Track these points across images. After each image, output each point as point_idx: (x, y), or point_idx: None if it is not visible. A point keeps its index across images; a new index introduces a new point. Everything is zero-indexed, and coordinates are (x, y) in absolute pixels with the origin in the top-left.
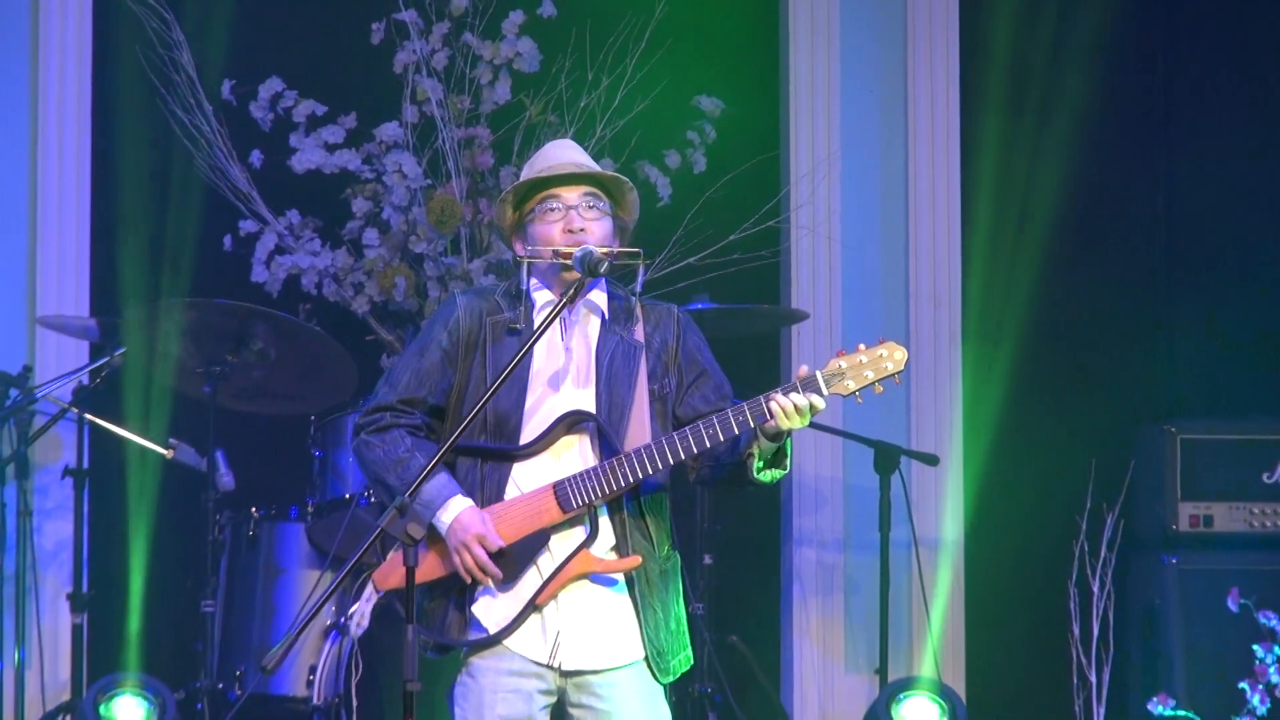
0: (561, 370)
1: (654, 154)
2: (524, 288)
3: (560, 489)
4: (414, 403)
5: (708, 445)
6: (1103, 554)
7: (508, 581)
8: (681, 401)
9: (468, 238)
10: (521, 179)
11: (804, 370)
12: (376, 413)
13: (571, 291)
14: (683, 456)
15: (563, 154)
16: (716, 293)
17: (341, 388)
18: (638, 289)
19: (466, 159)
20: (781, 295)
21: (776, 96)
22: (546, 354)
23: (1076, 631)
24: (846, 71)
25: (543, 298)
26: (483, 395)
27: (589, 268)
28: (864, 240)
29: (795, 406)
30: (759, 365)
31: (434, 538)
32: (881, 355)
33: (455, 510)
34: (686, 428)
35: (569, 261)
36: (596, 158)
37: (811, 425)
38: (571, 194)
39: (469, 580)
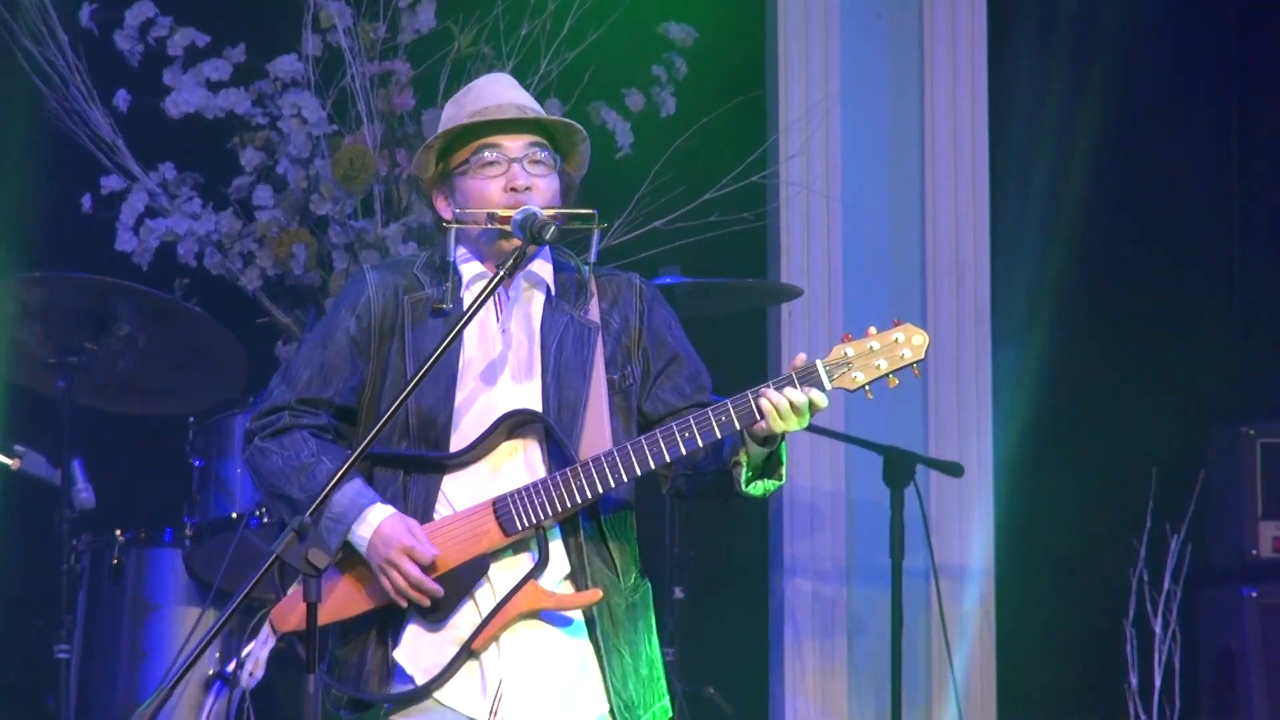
0: (499, 359)
1: (611, 94)
2: (450, 259)
3: (502, 507)
4: (317, 403)
5: (684, 452)
6: (1166, 585)
7: (439, 620)
8: (649, 394)
9: (382, 196)
10: (450, 122)
11: (801, 359)
12: (272, 414)
13: (510, 263)
14: (653, 465)
15: (502, 93)
16: (689, 265)
17: (227, 382)
18: (591, 258)
19: (381, 100)
20: (769, 267)
21: (762, 22)
22: (480, 340)
23: (1134, 681)
24: None
25: (472, 271)
26: (402, 392)
27: (531, 234)
28: (870, 200)
29: (791, 404)
30: (742, 354)
31: (349, 563)
32: (897, 340)
33: (375, 520)
34: (657, 430)
35: (508, 227)
36: (541, 99)
37: (808, 428)
38: (514, 143)
39: (404, 604)
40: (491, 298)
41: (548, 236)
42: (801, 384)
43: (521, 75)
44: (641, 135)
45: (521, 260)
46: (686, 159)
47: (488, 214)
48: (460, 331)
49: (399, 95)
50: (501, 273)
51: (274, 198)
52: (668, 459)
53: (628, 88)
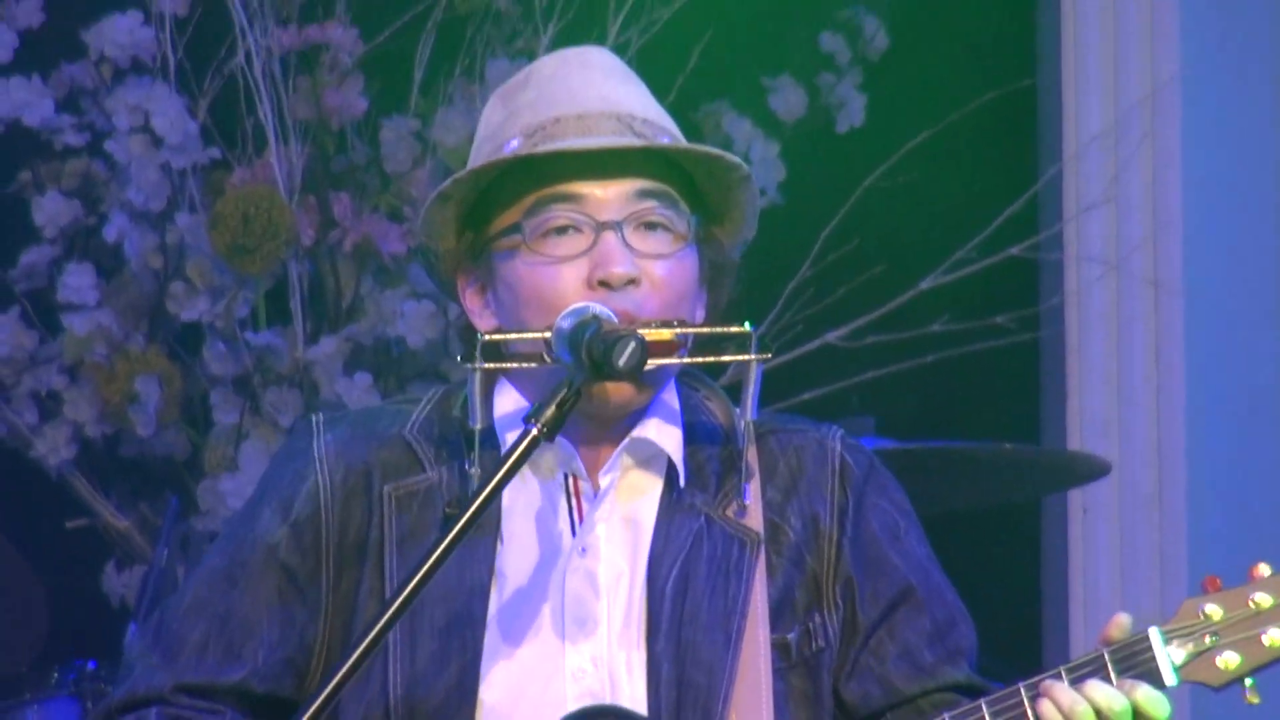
0: (569, 605)
1: (744, 88)
2: (475, 423)
3: None
4: (215, 692)
5: None
6: None
7: None
8: (855, 666)
9: (306, 286)
10: (486, 147)
11: (1122, 625)
12: (129, 711)
13: (523, 446)
14: None
15: (587, 87)
16: (892, 416)
17: (13, 643)
18: (749, 413)
19: (303, 99)
20: (1045, 421)
21: None
22: (535, 569)
23: None
24: None
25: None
26: (383, 675)
27: (593, 359)
28: (1241, 295)
29: (1098, 712)
30: (998, 596)
31: None
32: None
33: None
34: None
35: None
36: None
37: None
38: (609, 190)
39: None
40: (559, 488)
41: (621, 363)
42: (1120, 673)
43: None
44: (799, 165)
45: (558, 420)
46: (885, 214)
47: (543, 337)
48: (428, 577)
49: (337, 88)
50: (513, 457)
51: (99, 288)
52: None
53: (773, 75)
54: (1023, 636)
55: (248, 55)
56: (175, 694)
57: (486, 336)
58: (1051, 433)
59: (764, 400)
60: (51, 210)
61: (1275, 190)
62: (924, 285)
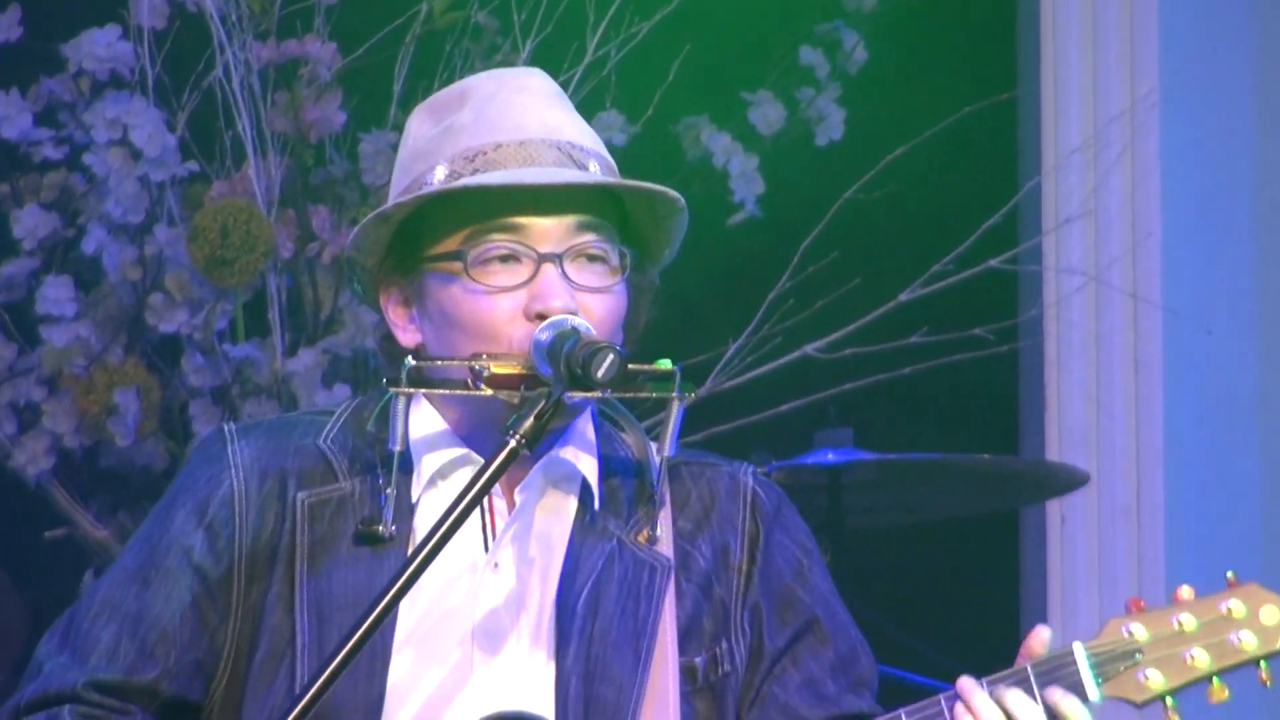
0: (485, 620)
1: (721, 102)
2: (396, 446)
3: None
4: (128, 691)
5: None
6: None
7: None
8: (759, 694)
9: (284, 298)
10: (420, 162)
11: (1041, 639)
12: (40, 710)
13: (501, 457)
14: None
15: (528, 114)
16: (868, 427)
17: None
18: (668, 450)
19: (282, 112)
20: (1023, 432)
21: None
22: (445, 580)
23: None
24: None
25: (442, 459)
26: (289, 682)
27: (569, 368)
28: (1220, 309)
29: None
30: (981, 603)
31: None
32: (1229, 614)
33: None
34: None
35: (511, 393)
36: (586, 112)
37: None
38: (551, 223)
39: None
40: (476, 510)
41: (600, 375)
42: (1042, 685)
43: (551, 66)
44: (778, 180)
45: (537, 431)
46: (864, 226)
47: (470, 365)
48: (405, 588)
49: (316, 103)
50: (491, 470)
51: (78, 300)
52: None
53: (753, 89)
54: (1001, 646)
55: (226, 69)
56: (87, 690)
57: (413, 362)
58: (1030, 444)
59: (745, 411)
60: (30, 223)
61: (1252, 203)
62: (903, 297)
